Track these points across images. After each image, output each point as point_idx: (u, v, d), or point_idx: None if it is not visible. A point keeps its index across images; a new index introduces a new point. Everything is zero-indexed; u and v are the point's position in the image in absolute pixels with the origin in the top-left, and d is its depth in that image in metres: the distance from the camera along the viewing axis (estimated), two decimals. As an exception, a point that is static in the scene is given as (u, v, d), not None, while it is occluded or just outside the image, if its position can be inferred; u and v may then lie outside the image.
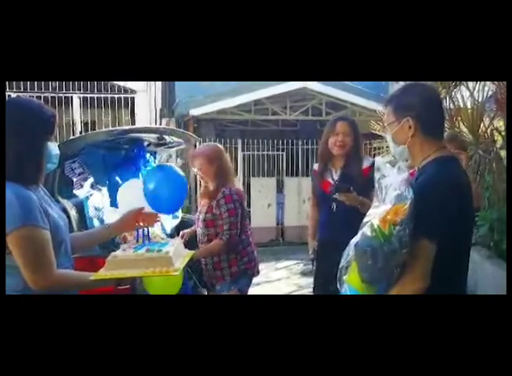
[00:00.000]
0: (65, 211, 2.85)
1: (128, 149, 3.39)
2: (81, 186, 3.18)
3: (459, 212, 1.43)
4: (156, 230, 3.06)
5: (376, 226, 1.33)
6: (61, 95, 7.77)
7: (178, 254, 1.67)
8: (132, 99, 8.18)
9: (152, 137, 3.34)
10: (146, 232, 1.82)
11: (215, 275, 2.70)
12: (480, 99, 4.05)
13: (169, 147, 3.80)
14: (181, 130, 4.35)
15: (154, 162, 3.58)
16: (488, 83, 3.95)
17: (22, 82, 7.32)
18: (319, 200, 2.83)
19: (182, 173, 2.83)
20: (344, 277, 1.44)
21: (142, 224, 1.83)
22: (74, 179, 3.14)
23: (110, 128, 4.75)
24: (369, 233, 1.34)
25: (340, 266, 1.45)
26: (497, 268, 3.60)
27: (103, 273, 1.54)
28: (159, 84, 8.26)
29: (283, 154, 8.66)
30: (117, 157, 3.36)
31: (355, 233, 1.42)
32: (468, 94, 4.19)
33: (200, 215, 2.78)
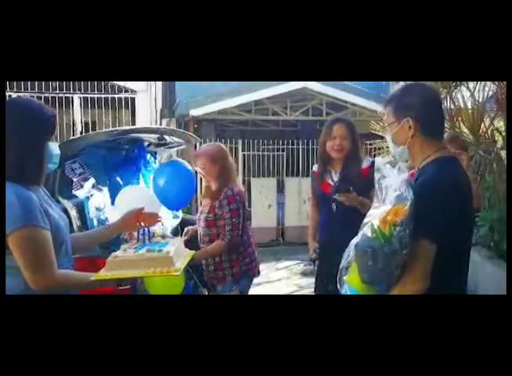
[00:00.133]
0: (65, 211, 2.85)
1: (129, 149, 3.40)
2: (81, 187, 3.17)
3: (459, 212, 1.43)
4: (157, 230, 3.06)
5: (376, 227, 1.33)
6: (61, 95, 7.78)
7: (179, 255, 1.68)
8: (133, 99, 8.19)
9: (152, 137, 3.35)
10: (146, 232, 1.81)
11: (217, 275, 2.69)
12: (480, 100, 4.05)
13: (169, 147, 3.81)
14: (181, 130, 4.35)
15: (155, 163, 3.59)
16: (488, 83, 3.95)
17: (22, 82, 7.33)
18: (319, 201, 2.84)
19: (191, 168, 2.85)
20: (345, 278, 1.44)
21: (142, 224, 1.84)
22: (75, 179, 3.14)
23: (111, 129, 4.76)
24: (369, 234, 1.34)
25: (340, 267, 1.46)
26: (497, 268, 3.60)
27: (104, 274, 1.54)
28: (159, 84, 8.26)
29: (283, 154, 8.66)
30: (118, 158, 3.36)
31: (356, 234, 1.42)
32: (469, 94, 4.19)
33: (201, 214, 2.78)
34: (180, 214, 3.58)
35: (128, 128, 3.99)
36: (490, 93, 4.02)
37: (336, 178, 2.68)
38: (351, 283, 1.41)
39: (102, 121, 8.02)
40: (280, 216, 8.50)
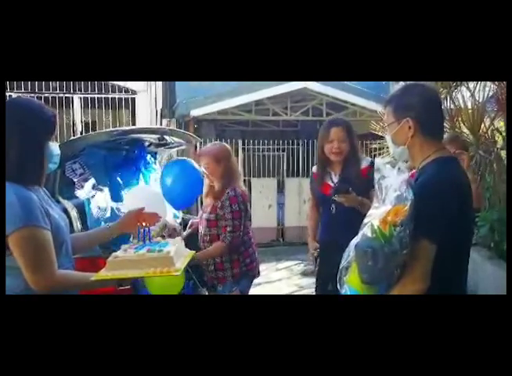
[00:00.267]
0: (66, 211, 2.85)
1: (129, 149, 3.40)
2: (82, 187, 3.17)
3: (459, 213, 1.43)
4: (171, 221, 3.07)
5: (376, 227, 1.33)
6: (62, 95, 7.78)
7: (179, 255, 1.68)
8: (133, 99, 8.19)
9: (152, 138, 3.35)
10: (147, 232, 1.81)
11: (217, 275, 2.69)
12: (480, 100, 4.05)
13: (170, 148, 3.81)
14: (181, 130, 4.35)
15: (155, 163, 3.59)
16: (488, 83, 3.95)
17: (22, 82, 7.33)
18: (319, 202, 2.84)
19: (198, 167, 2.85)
20: (345, 278, 1.44)
21: (143, 224, 1.83)
22: (75, 180, 3.14)
23: (111, 129, 4.76)
24: (369, 234, 1.34)
25: (340, 267, 1.46)
26: (498, 268, 3.60)
27: (104, 274, 1.53)
28: (159, 84, 8.27)
29: (283, 155, 8.66)
30: (118, 158, 3.36)
31: (356, 234, 1.42)
32: (469, 94, 4.19)
33: (203, 214, 2.78)
34: (180, 214, 3.58)
35: (128, 128, 3.99)
36: (490, 93, 4.02)
37: (336, 180, 2.68)
38: (351, 283, 1.41)
39: (102, 121, 8.03)
40: (280, 216, 8.50)
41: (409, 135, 1.52)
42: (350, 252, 1.42)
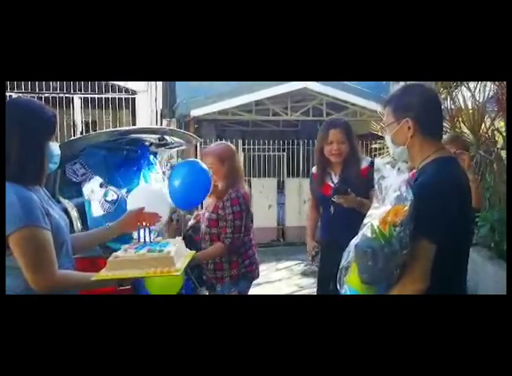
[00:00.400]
0: (66, 211, 2.86)
1: (130, 149, 3.40)
2: (91, 190, 3.20)
3: (458, 212, 1.43)
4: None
5: (376, 227, 1.33)
6: (62, 95, 7.79)
7: (180, 255, 1.68)
8: (133, 99, 8.20)
9: (153, 138, 3.35)
10: (147, 232, 1.81)
11: (216, 275, 2.69)
12: (481, 100, 4.05)
13: (170, 148, 3.81)
14: (182, 130, 4.35)
15: (156, 163, 3.60)
16: (488, 83, 3.94)
17: (23, 82, 7.34)
18: (319, 202, 2.84)
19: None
20: (344, 278, 1.44)
21: (144, 224, 1.83)
22: (78, 181, 3.15)
23: (111, 129, 4.76)
24: (369, 235, 1.34)
25: (340, 267, 1.46)
26: (498, 268, 3.60)
27: (105, 274, 1.53)
28: (160, 84, 8.28)
29: (283, 155, 8.67)
30: (118, 158, 3.37)
31: (356, 234, 1.42)
32: (469, 94, 4.18)
33: (205, 212, 2.78)
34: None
35: (128, 128, 3.99)
36: (490, 93, 4.02)
37: (336, 180, 2.68)
38: (350, 283, 1.41)
39: (102, 121, 8.03)
40: (281, 216, 8.50)
41: (409, 136, 1.52)
42: (350, 252, 1.42)
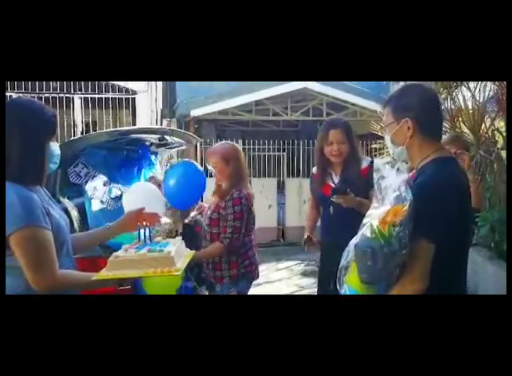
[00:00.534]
0: (66, 211, 2.86)
1: (131, 149, 3.41)
2: (95, 188, 3.22)
3: (458, 212, 1.43)
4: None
5: (375, 227, 1.33)
6: (62, 95, 7.79)
7: (180, 254, 1.68)
8: (133, 99, 8.20)
9: (153, 138, 3.36)
10: (147, 232, 1.82)
11: (215, 274, 2.68)
12: (481, 100, 4.05)
13: (170, 148, 3.82)
14: (182, 130, 4.36)
15: (157, 163, 3.60)
16: (489, 83, 3.94)
17: (23, 82, 7.34)
18: (320, 202, 2.84)
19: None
20: (344, 278, 1.44)
21: (144, 224, 1.84)
22: (83, 182, 3.16)
23: (112, 129, 4.77)
24: (368, 235, 1.34)
25: (339, 266, 1.46)
26: (498, 268, 3.59)
27: (105, 274, 1.54)
28: (160, 84, 8.28)
29: (283, 155, 8.67)
30: (119, 158, 3.37)
31: (356, 234, 1.43)
32: (469, 94, 4.18)
33: (208, 211, 2.78)
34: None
35: (128, 128, 4.00)
36: (491, 93, 4.02)
37: (336, 180, 2.69)
38: (350, 283, 1.41)
39: (102, 121, 8.03)
40: (281, 216, 8.50)
41: (408, 136, 1.52)
42: (349, 252, 1.42)
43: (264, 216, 8.08)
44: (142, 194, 2.87)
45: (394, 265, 1.34)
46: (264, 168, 8.55)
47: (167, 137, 3.36)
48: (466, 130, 4.00)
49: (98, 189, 3.19)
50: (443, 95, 4.20)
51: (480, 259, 3.86)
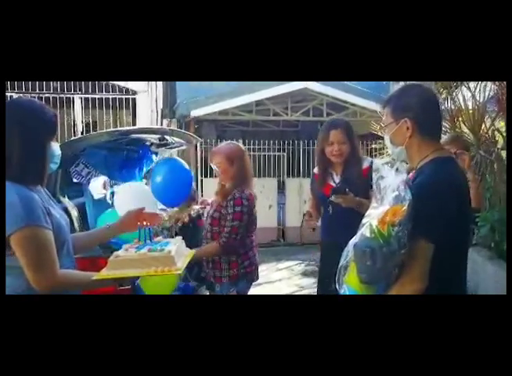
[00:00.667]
0: (66, 211, 2.86)
1: (131, 150, 3.41)
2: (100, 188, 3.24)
3: (457, 212, 1.43)
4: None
5: (374, 227, 1.33)
6: (62, 95, 7.79)
7: (180, 254, 1.68)
8: (133, 99, 8.20)
9: (153, 138, 3.36)
10: (147, 231, 1.82)
11: (214, 274, 2.68)
12: (481, 100, 4.05)
13: (170, 148, 3.82)
14: (182, 131, 4.36)
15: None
16: (489, 83, 3.95)
17: (23, 83, 7.35)
18: (320, 203, 2.84)
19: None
20: (343, 278, 1.44)
21: (144, 223, 1.84)
22: (84, 181, 3.17)
23: (112, 129, 4.77)
24: (368, 234, 1.34)
25: (339, 266, 1.46)
26: (498, 268, 3.60)
27: (106, 273, 1.54)
28: (160, 85, 8.28)
29: (284, 155, 8.67)
30: (119, 158, 3.38)
31: (355, 234, 1.43)
32: (469, 94, 4.19)
33: (210, 210, 2.78)
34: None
35: (129, 128, 4.00)
36: (491, 94, 4.02)
37: (337, 180, 2.69)
38: (349, 283, 1.41)
39: (102, 121, 8.04)
40: (281, 217, 8.50)
41: (407, 136, 1.52)
42: (349, 252, 1.42)
43: (264, 216, 8.07)
44: (131, 195, 2.89)
45: (393, 264, 1.34)
46: (264, 168, 8.55)
47: (167, 137, 3.37)
48: (466, 130, 4.00)
49: (101, 190, 3.22)
50: (443, 96, 4.21)
51: (480, 259, 3.86)
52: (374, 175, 1.46)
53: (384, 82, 7.15)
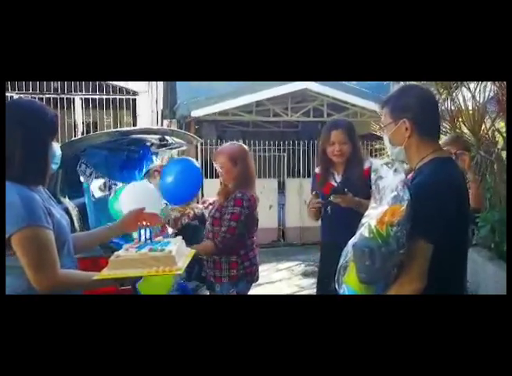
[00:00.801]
0: (67, 211, 2.87)
1: (131, 150, 3.42)
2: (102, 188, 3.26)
3: (456, 213, 1.43)
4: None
5: (373, 227, 1.34)
6: (63, 96, 7.80)
7: (181, 254, 1.68)
8: (134, 100, 8.20)
9: (154, 138, 3.37)
10: (148, 231, 1.82)
11: (214, 274, 2.67)
12: (481, 100, 4.05)
13: (171, 148, 3.83)
14: (182, 131, 4.37)
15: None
16: (489, 84, 3.95)
17: (23, 83, 7.35)
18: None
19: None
20: (343, 277, 1.44)
21: (144, 224, 1.84)
22: (88, 179, 3.18)
23: (112, 130, 4.78)
24: (366, 234, 1.34)
25: (338, 266, 1.46)
26: (498, 269, 3.60)
27: (106, 273, 1.54)
28: (160, 85, 8.28)
29: (284, 155, 8.66)
30: (120, 158, 3.38)
31: (354, 234, 1.43)
32: (469, 95, 4.19)
33: (211, 210, 2.78)
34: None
35: (129, 129, 4.01)
36: (491, 94, 4.02)
37: (339, 180, 2.70)
38: (348, 282, 1.42)
39: (103, 121, 8.04)
40: (281, 217, 8.49)
41: (406, 136, 1.53)
42: (348, 252, 1.43)
43: (264, 217, 8.03)
44: (137, 194, 2.89)
45: (392, 264, 1.35)
46: (264, 169, 8.55)
47: (167, 137, 3.37)
48: (466, 130, 4.00)
49: (102, 190, 3.24)
50: (443, 96, 4.20)
51: (480, 260, 3.86)
52: (373, 175, 1.46)
53: (384, 82, 7.15)
